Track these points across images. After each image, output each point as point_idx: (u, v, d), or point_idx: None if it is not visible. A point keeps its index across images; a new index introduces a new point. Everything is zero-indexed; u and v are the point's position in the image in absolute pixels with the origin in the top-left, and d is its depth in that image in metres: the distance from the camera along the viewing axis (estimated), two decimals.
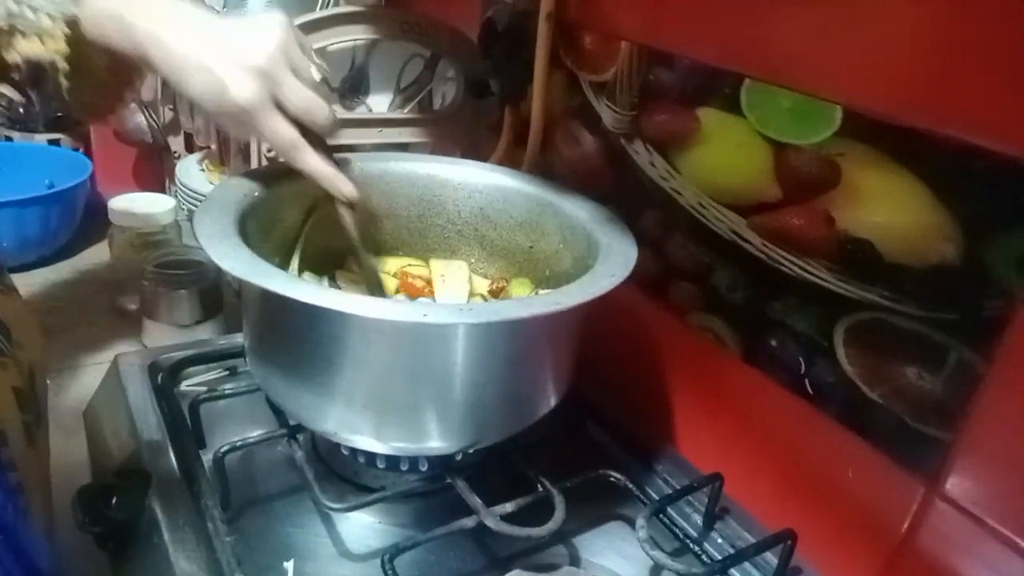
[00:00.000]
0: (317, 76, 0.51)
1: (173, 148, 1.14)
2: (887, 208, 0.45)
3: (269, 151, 0.70)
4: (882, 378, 0.46)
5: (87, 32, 0.46)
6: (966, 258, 0.41)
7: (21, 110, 1.13)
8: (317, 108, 0.49)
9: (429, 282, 0.61)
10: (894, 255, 0.45)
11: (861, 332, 0.47)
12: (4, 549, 0.41)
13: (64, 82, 0.48)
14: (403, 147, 0.77)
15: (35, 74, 0.48)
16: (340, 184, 0.53)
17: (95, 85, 0.51)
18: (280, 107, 0.48)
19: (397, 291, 0.60)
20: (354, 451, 0.53)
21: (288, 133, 0.49)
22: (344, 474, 0.54)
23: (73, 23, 0.46)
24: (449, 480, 0.50)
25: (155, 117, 1.14)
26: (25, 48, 0.46)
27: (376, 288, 0.57)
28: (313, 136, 0.51)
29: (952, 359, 0.42)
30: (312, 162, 0.51)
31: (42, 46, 0.46)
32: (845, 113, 0.46)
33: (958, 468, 0.42)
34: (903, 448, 0.45)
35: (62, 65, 0.47)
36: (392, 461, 0.53)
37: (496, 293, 0.62)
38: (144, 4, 0.46)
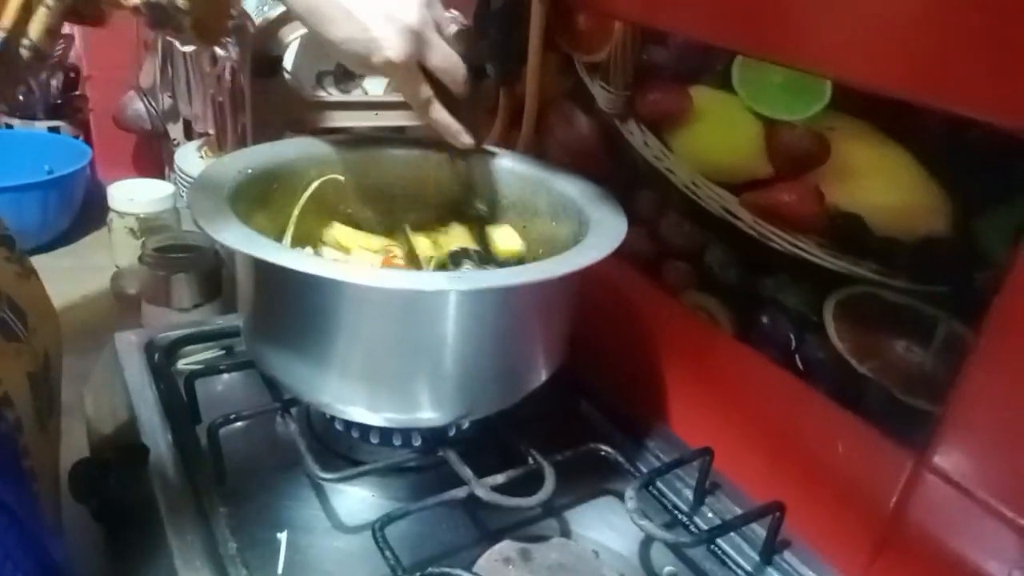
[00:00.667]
0: (453, 29, 0.52)
1: (172, 135, 1.15)
2: (877, 182, 0.45)
3: None
4: (872, 352, 0.46)
5: None
6: (957, 231, 0.41)
7: (21, 97, 1.13)
8: (456, 69, 0.51)
9: (414, 260, 0.61)
10: (884, 229, 0.45)
11: (851, 307, 0.47)
12: (16, 537, 0.41)
13: (185, 18, 0.49)
14: (399, 130, 0.77)
15: (156, 13, 0.48)
16: (460, 137, 0.55)
17: (206, 10, 0.52)
18: (421, 63, 0.49)
19: None
20: (348, 426, 0.54)
21: (425, 93, 0.52)
22: (338, 449, 0.54)
23: None
24: (441, 454, 0.51)
25: (154, 104, 1.15)
26: None
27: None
28: (442, 90, 0.52)
29: (941, 332, 0.42)
30: (438, 116, 0.53)
31: None
32: (835, 87, 0.46)
33: (946, 441, 0.43)
34: (892, 422, 0.45)
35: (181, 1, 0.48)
36: (385, 436, 0.53)
37: None
38: None
